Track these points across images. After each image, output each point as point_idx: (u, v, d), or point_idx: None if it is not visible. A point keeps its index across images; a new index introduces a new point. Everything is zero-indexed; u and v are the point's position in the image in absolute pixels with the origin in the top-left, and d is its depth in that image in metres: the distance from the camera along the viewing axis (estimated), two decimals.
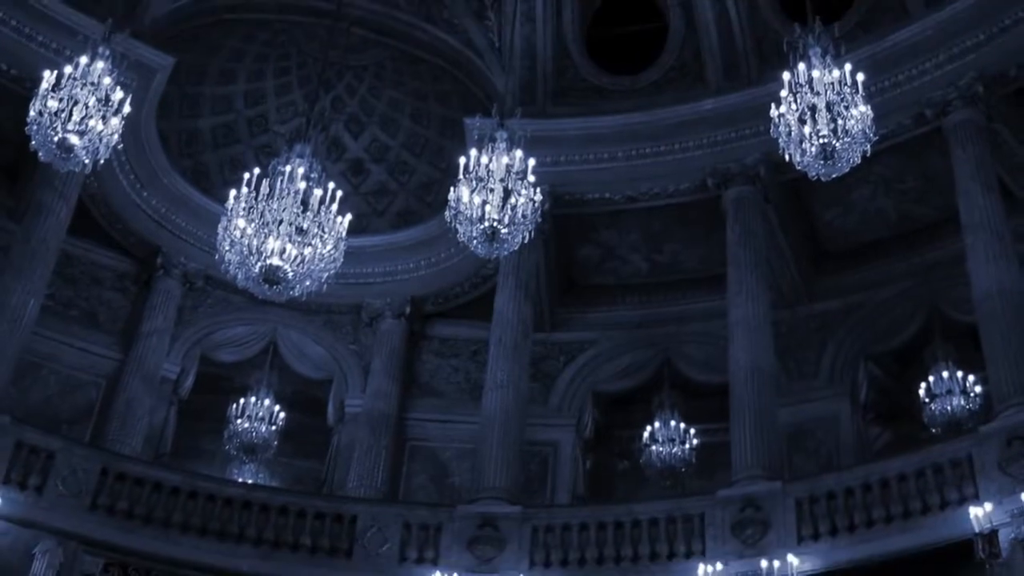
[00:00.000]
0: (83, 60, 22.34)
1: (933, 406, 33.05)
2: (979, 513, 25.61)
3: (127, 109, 22.79)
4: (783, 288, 35.58)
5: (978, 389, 32.58)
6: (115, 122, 22.18)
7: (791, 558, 27.49)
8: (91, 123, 21.75)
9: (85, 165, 22.09)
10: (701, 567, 28.27)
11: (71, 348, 35.22)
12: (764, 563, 27.63)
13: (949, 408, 32.69)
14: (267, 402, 36.28)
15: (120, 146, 23.23)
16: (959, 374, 33.07)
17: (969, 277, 29.47)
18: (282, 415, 36.48)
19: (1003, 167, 32.07)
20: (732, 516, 28.80)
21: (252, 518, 30.35)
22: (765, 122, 22.84)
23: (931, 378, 33.47)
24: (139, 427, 34.27)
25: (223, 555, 29.70)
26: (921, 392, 33.59)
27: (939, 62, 31.79)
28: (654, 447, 35.48)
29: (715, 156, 34.42)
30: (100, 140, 21.90)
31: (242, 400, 36.23)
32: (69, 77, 22.14)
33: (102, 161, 22.47)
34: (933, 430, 32.92)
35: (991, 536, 25.45)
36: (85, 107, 21.76)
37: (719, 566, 28.18)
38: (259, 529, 30.22)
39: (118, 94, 22.46)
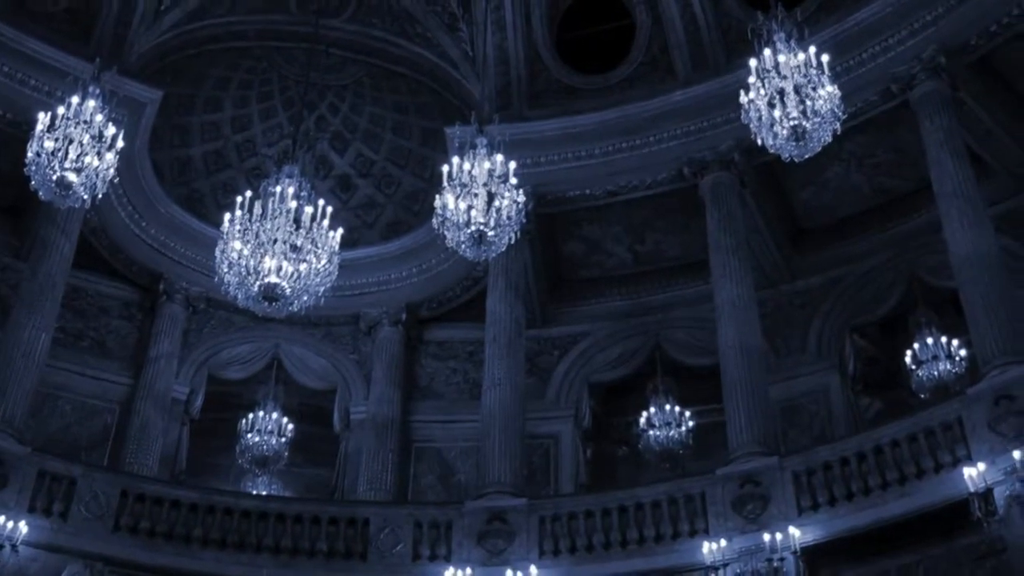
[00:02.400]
0: (75, 100, 21.97)
1: (920, 372, 31.78)
2: (973, 473, 24.76)
3: (120, 143, 22.34)
4: (766, 268, 34.51)
5: (963, 352, 31.28)
6: (110, 157, 21.79)
7: (792, 530, 26.66)
8: (87, 160, 21.38)
9: (84, 200, 21.70)
10: (705, 545, 27.51)
11: (84, 377, 34.49)
12: (767, 537, 26.75)
13: (936, 373, 31.43)
14: (275, 415, 35.31)
15: (116, 180, 23.03)
16: (943, 339, 31.73)
17: (946, 244, 28.45)
18: (290, 427, 35.55)
19: (971, 135, 30.91)
20: (732, 493, 27.97)
21: (269, 528, 29.64)
22: (736, 109, 22.33)
23: (916, 345, 32.15)
24: (154, 448, 33.50)
25: (243, 566, 29.00)
26: (907, 359, 32.24)
27: (901, 37, 30.70)
28: (651, 432, 34.43)
29: (689, 146, 33.33)
30: (97, 175, 21.55)
31: (251, 415, 35.29)
32: (63, 117, 21.75)
33: (100, 195, 22.10)
34: (922, 396, 31.57)
35: (986, 495, 24.66)
36: (80, 145, 21.40)
37: (723, 543, 27.37)
38: (276, 538, 29.54)
39: (111, 130, 22.00)
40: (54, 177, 21.13)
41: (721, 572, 27.26)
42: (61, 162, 21.24)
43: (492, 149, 23.66)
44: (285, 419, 35.53)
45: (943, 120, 29.53)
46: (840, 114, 21.16)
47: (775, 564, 26.61)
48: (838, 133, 21.50)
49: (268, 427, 35.08)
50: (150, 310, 36.19)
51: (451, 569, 28.73)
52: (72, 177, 21.22)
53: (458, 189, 22.82)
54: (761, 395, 29.40)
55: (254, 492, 35.12)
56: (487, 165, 23.23)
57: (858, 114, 29.67)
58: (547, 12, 35.47)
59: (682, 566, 28.00)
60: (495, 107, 33.70)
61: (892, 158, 33.45)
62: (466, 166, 23.21)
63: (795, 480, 27.56)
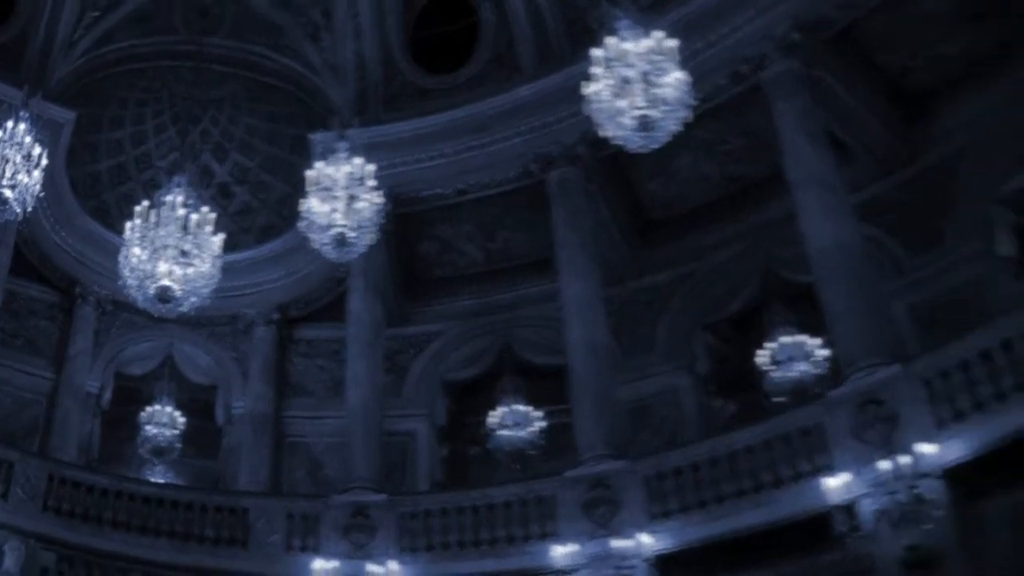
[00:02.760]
0: (9, 124, 17.99)
1: (776, 373, 21.12)
2: (834, 484, 15.54)
3: (45, 161, 18.22)
4: (614, 264, 23.73)
5: (824, 352, 20.59)
6: (37, 174, 17.98)
7: (643, 537, 17.61)
8: (20, 177, 17.68)
9: (17, 214, 17.78)
10: (556, 548, 18.48)
11: (19, 372, 26.77)
12: (617, 543, 17.76)
13: (794, 374, 20.81)
14: (169, 409, 26.77)
15: (42, 195, 18.45)
16: (801, 338, 21.02)
17: (802, 235, 18.66)
18: (182, 420, 26.85)
19: (831, 116, 20.36)
20: (582, 496, 18.84)
21: (165, 514, 22.48)
22: (581, 102, 14.62)
23: (773, 344, 21.36)
24: (72, 437, 26.17)
25: (145, 548, 21.75)
26: (763, 359, 21.51)
27: (751, 16, 20.36)
28: (502, 432, 24.31)
29: (536, 141, 23.05)
30: (27, 191, 17.69)
31: (149, 408, 26.90)
32: (1, 141, 17.84)
33: (29, 209, 18.01)
34: (778, 399, 21.08)
35: (849, 508, 15.41)
36: (14, 164, 17.66)
37: (574, 547, 18.27)
38: (171, 523, 22.42)
39: (37, 149, 18.01)
40: None
41: None
42: None
43: (352, 153, 18.06)
44: (177, 413, 26.96)
45: (798, 101, 19.42)
46: (690, 101, 13.66)
47: (625, 571, 17.56)
48: (689, 121, 13.78)
49: (163, 420, 26.67)
50: (68, 312, 28.00)
51: (319, 561, 20.96)
52: (8, 193, 17.33)
53: (321, 193, 17.53)
54: (609, 395, 20.10)
55: (153, 480, 26.54)
56: (347, 169, 17.88)
57: (707, 99, 18.78)
58: (401, 17, 25.40)
59: (533, 569, 19.00)
60: (354, 112, 24.05)
61: (744, 144, 22.59)
62: (328, 170, 17.81)
63: (646, 485, 18.36)
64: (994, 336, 15.01)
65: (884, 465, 15.13)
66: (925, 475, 14.94)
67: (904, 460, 15.04)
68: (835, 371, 18.53)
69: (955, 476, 14.93)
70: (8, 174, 17.53)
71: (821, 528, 15.64)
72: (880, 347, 16.57)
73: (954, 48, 19.70)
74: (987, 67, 19.62)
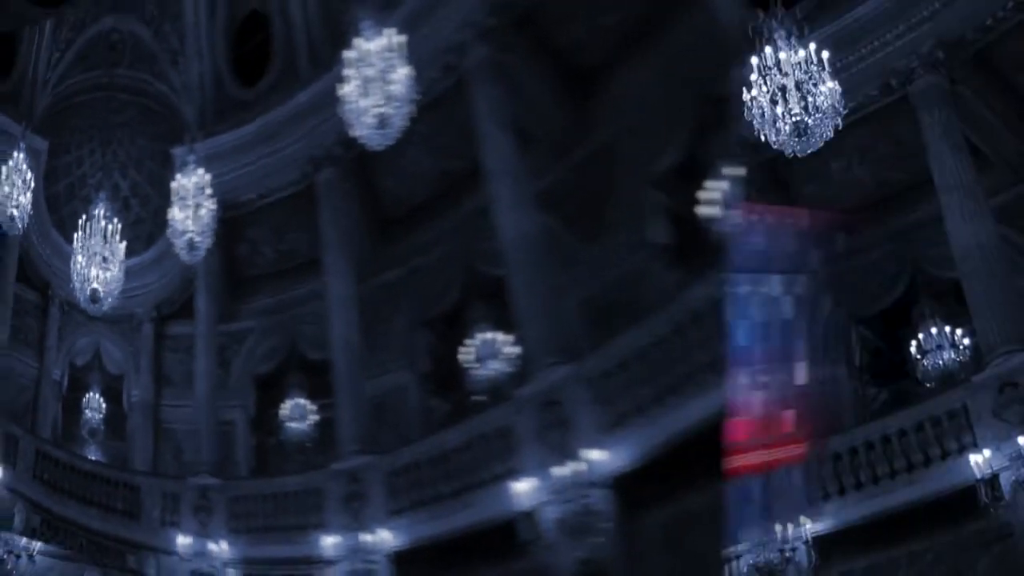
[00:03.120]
0: (15, 154, 17.05)
1: (477, 371, 16.41)
2: (520, 490, 11.57)
3: (33, 184, 17.39)
4: (364, 262, 18.86)
5: (515, 350, 15.46)
6: (28, 195, 17.17)
7: (384, 533, 13.95)
8: (21, 199, 16.92)
9: (19, 230, 17.39)
10: (325, 539, 14.91)
11: (21, 362, 23.52)
12: (364, 537, 14.13)
13: (489, 373, 16.05)
14: (97, 396, 23.68)
15: (31, 212, 17.34)
16: (495, 335, 16.12)
17: (496, 227, 14.18)
18: (104, 405, 23.59)
19: (518, 101, 14.93)
20: (343, 489, 15.06)
21: (96, 487, 19.59)
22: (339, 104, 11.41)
23: (474, 341, 16.64)
24: (48, 418, 23.23)
25: (86, 516, 18.91)
26: (467, 357, 16.85)
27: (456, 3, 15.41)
28: (290, 424, 20.40)
29: (310, 145, 18.81)
30: (24, 210, 16.97)
31: (87, 395, 23.80)
32: (14, 168, 17.03)
33: (25, 225, 17.26)
34: (478, 398, 16.18)
35: (532, 515, 11.37)
36: (17, 187, 16.90)
37: (337, 538, 14.67)
38: (99, 495, 19.51)
39: (29, 174, 17.16)
40: (7, 213, 16.62)
41: (336, 567, 14.56)
42: (10, 201, 16.67)
43: (197, 165, 16.37)
44: (101, 399, 23.74)
45: (490, 89, 14.69)
46: (415, 96, 10.82)
47: (371, 566, 13.92)
48: (415, 116, 10.75)
49: (94, 405, 23.59)
50: (44, 312, 24.62)
51: (181, 536, 18.29)
52: (15, 212, 16.62)
53: (180, 202, 15.97)
54: (360, 392, 16.24)
55: (90, 457, 22.68)
56: (194, 179, 16.24)
57: (426, 94, 13.32)
58: (226, 35, 21.29)
59: (312, 557, 15.41)
60: (199, 126, 20.55)
61: (452, 137, 17.13)
62: (183, 181, 16.24)
63: (387, 482, 14.45)
64: (647, 334, 10.61)
65: (560, 471, 10.98)
66: (595, 484, 10.71)
67: (577, 467, 10.94)
68: (524, 369, 13.88)
69: (621, 486, 10.66)
70: (15, 196, 16.66)
71: (512, 534, 11.52)
72: (558, 345, 12.27)
73: (612, 18, 14.35)
74: (642, 38, 14.29)
